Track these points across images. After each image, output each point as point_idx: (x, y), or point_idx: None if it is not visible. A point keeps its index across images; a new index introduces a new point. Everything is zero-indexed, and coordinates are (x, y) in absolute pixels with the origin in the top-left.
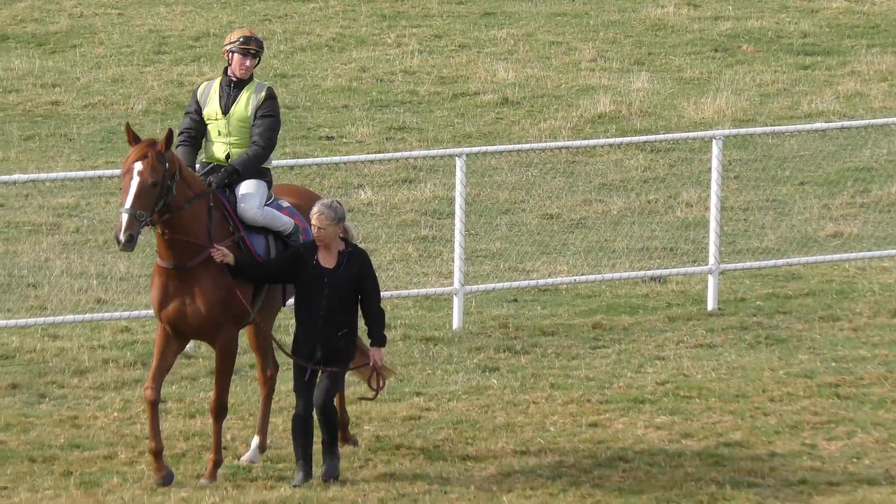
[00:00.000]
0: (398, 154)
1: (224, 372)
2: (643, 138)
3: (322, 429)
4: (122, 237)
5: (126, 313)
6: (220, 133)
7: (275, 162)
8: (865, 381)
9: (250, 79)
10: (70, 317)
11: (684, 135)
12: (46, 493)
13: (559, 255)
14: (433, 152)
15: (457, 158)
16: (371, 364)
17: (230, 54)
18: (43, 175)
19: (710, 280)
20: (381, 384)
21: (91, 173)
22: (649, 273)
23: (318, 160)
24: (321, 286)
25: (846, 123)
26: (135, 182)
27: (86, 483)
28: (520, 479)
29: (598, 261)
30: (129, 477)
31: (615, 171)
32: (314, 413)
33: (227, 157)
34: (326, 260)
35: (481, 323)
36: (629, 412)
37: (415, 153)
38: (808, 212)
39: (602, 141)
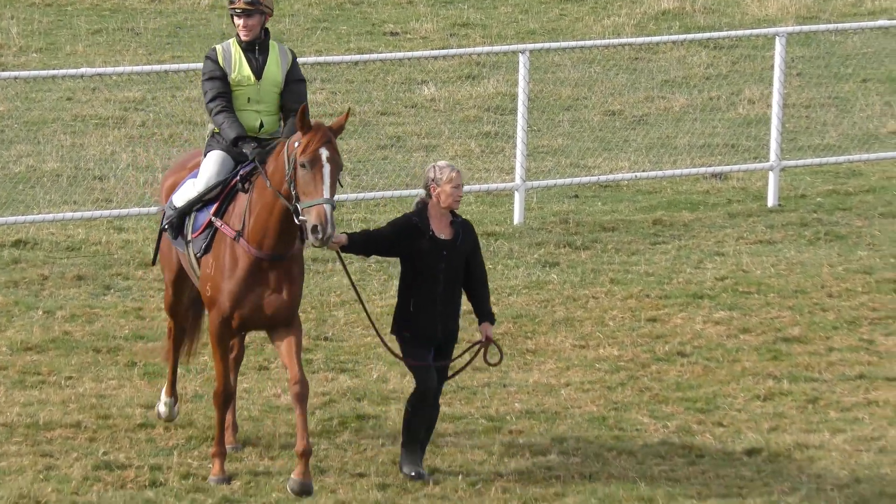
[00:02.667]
0: (462, 50)
1: (301, 352)
2: (706, 35)
3: (430, 425)
4: (329, 230)
5: None
6: (249, 100)
7: (338, 58)
8: None
9: (267, 40)
10: (135, 209)
11: (747, 32)
12: (110, 382)
13: (620, 152)
14: (497, 49)
15: (520, 55)
16: (484, 340)
17: (232, 17)
18: (110, 69)
19: (771, 176)
20: (500, 357)
21: (157, 67)
22: (710, 169)
23: (382, 56)
24: (439, 259)
25: None
26: (328, 170)
27: (149, 374)
28: (578, 373)
29: (660, 157)
30: (191, 369)
31: (678, 67)
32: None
33: (261, 125)
34: (441, 230)
35: (542, 218)
36: (688, 307)
37: (478, 49)
38: (870, 109)
39: (665, 38)
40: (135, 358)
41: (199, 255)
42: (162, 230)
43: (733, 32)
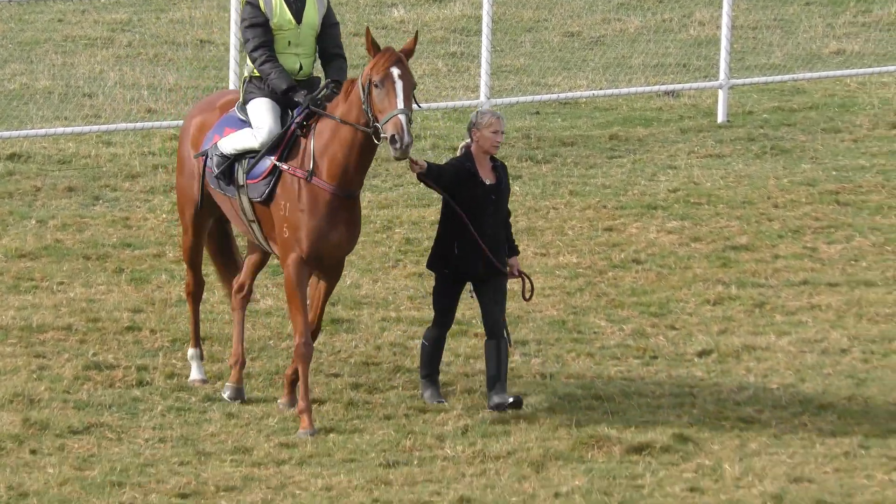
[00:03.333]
0: None
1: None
2: None
3: (496, 356)
4: (407, 139)
5: (175, 122)
6: (290, 44)
7: None
8: (864, 188)
9: None
10: (123, 125)
11: None
12: (99, 288)
13: (579, 71)
14: None
15: None
16: (516, 272)
17: None
18: None
19: (721, 94)
20: (531, 287)
21: None
22: (663, 88)
23: None
24: (488, 203)
25: None
26: (400, 85)
27: (136, 279)
28: (539, 279)
29: (616, 76)
30: (176, 274)
31: None
32: (489, 338)
33: (300, 68)
34: (485, 174)
35: (507, 133)
36: (642, 217)
37: None
38: (813, 30)
39: None
40: (122, 265)
41: (260, 199)
42: (203, 174)
43: None
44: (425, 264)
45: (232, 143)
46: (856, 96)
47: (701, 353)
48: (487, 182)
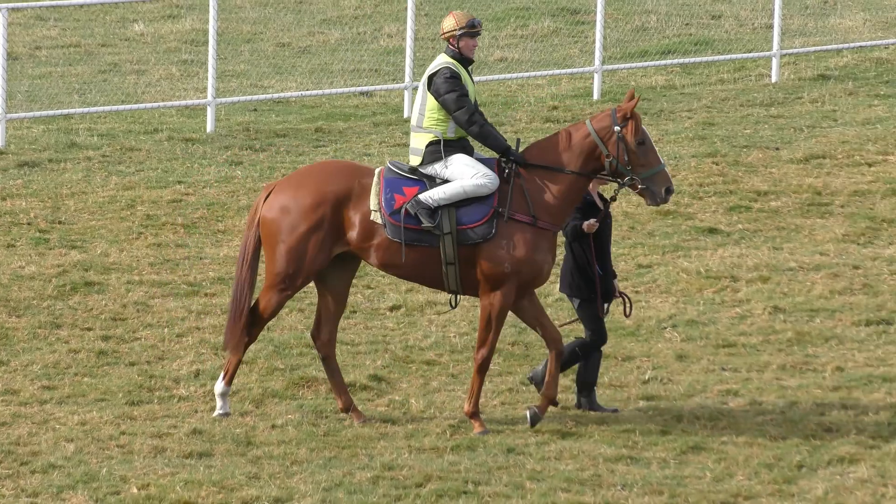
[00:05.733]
0: None
1: None
2: None
3: (563, 362)
4: (673, 187)
5: None
6: None
7: (66, 2)
8: None
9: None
10: None
11: None
12: None
13: (290, 75)
14: None
15: (211, 0)
16: (618, 293)
17: (456, 39)
18: None
19: (406, 94)
20: (630, 305)
21: None
22: (359, 89)
23: (102, 0)
24: (607, 227)
25: None
26: (652, 142)
27: None
28: None
29: (320, 79)
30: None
31: (333, 9)
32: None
33: None
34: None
35: (229, 127)
36: None
37: None
38: (482, 41)
39: None
40: None
41: (480, 240)
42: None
43: None
44: (562, 291)
45: (448, 195)
46: (516, 96)
47: (392, 308)
48: (601, 208)
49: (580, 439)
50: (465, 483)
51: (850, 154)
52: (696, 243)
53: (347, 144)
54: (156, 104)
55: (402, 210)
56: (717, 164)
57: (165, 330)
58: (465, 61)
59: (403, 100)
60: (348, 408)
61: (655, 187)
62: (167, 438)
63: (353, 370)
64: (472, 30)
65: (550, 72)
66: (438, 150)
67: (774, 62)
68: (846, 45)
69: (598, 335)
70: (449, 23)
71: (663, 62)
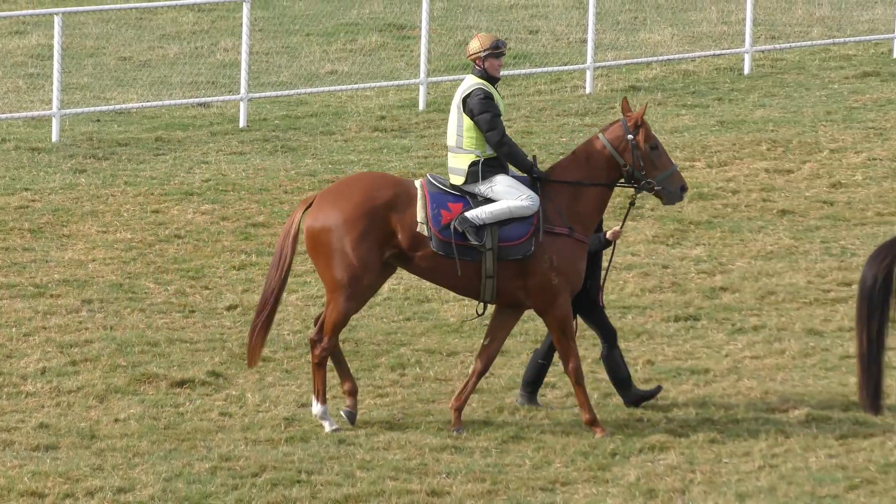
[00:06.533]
0: (7, 14)
1: None
2: (190, 1)
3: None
4: (686, 185)
5: None
6: None
7: None
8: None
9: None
10: None
11: None
12: None
13: (131, 87)
14: (36, 12)
15: (55, 16)
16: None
17: (482, 59)
18: None
19: (242, 105)
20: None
21: None
22: (197, 100)
23: None
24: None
25: None
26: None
27: None
28: (101, 252)
29: (160, 91)
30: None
31: (172, 25)
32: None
33: None
34: None
35: (73, 137)
36: (182, 202)
37: (21, 13)
38: (313, 55)
39: (159, 3)
40: None
41: (522, 257)
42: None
43: (205, 0)
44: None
45: (493, 213)
46: (346, 106)
47: (229, 308)
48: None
49: (407, 430)
50: (298, 472)
51: None
52: None
53: (186, 153)
54: (3, 115)
55: (451, 227)
56: None
57: (13, 329)
58: (492, 80)
59: (239, 111)
60: (353, 391)
61: (671, 187)
62: (15, 432)
63: (192, 367)
64: (495, 50)
65: (378, 84)
66: (479, 170)
67: (588, 74)
68: (655, 59)
69: (612, 335)
70: (474, 45)
71: None
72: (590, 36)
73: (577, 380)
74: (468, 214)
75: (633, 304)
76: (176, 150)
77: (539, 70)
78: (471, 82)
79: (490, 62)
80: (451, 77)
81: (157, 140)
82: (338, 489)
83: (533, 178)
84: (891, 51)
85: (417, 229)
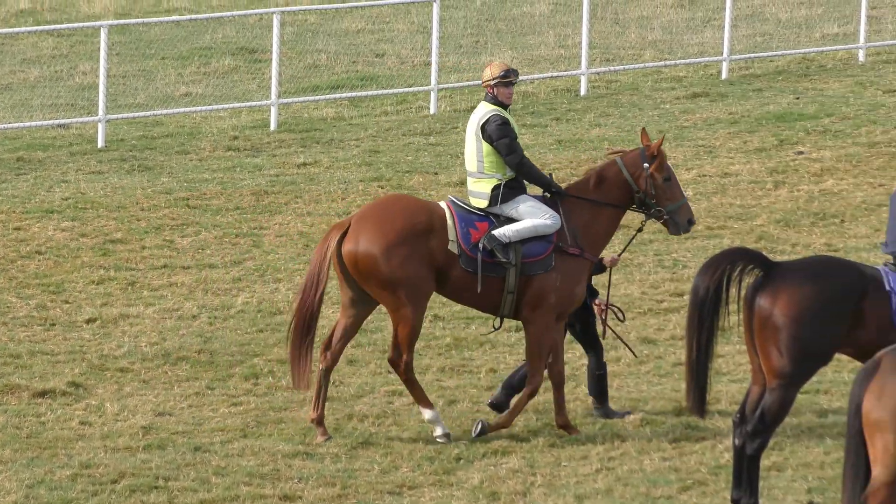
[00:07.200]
0: None
1: None
2: (52, 27)
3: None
4: (694, 219)
5: None
6: None
7: None
8: (207, 195)
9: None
10: None
11: (76, 25)
12: None
13: None
14: None
15: None
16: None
17: (493, 87)
18: None
19: (100, 126)
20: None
21: None
22: (57, 122)
23: None
24: None
25: (193, 17)
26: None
27: None
28: None
29: (21, 113)
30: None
31: (32, 49)
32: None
33: None
34: None
35: None
36: (43, 219)
37: None
38: (168, 78)
39: (23, 29)
40: None
41: (543, 272)
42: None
43: (72, 25)
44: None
45: (519, 232)
46: (200, 127)
47: (89, 321)
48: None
49: (261, 437)
50: (156, 479)
51: None
52: None
53: (46, 172)
54: None
55: (480, 244)
56: (382, 188)
57: None
58: (504, 106)
59: (98, 131)
60: (320, 420)
61: (679, 219)
62: None
63: (53, 378)
64: (504, 79)
65: (231, 105)
66: (501, 192)
67: (432, 96)
68: None
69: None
70: (487, 73)
71: (333, 96)
72: (434, 59)
73: (528, 398)
74: (496, 233)
75: (476, 315)
76: (37, 170)
77: (386, 92)
78: (486, 109)
79: (500, 90)
80: (301, 98)
81: (19, 160)
82: (194, 494)
83: (552, 193)
84: (719, 72)
85: (448, 247)
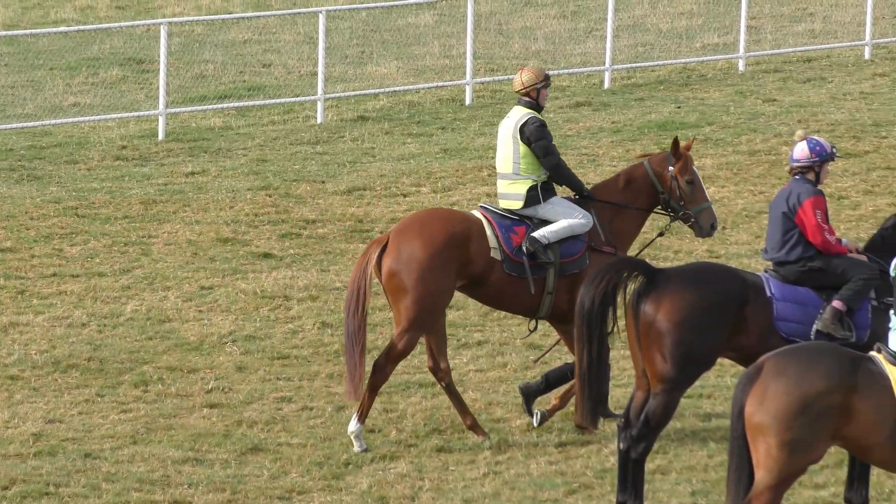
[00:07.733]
0: None
1: None
2: None
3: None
4: (717, 223)
5: None
6: None
7: None
8: (96, 204)
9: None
10: None
11: None
12: None
13: None
14: None
15: None
16: None
17: (537, 91)
18: None
19: None
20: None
21: None
22: None
23: None
24: None
25: (80, 28)
26: (701, 180)
27: None
28: None
29: None
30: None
31: None
32: None
33: None
34: None
35: None
36: None
37: None
38: (56, 88)
39: None
40: None
41: (578, 271)
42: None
43: None
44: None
45: (556, 232)
46: (88, 137)
47: None
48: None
49: (151, 444)
50: (46, 485)
51: (387, 186)
52: (253, 267)
53: None
54: None
55: (523, 248)
56: (270, 196)
57: None
58: (539, 109)
59: None
60: (474, 425)
61: (703, 222)
62: None
63: None
64: (547, 81)
65: (119, 115)
66: (538, 193)
67: (319, 105)
68: (382, 90)
69: None
70: (528, 77)
71: (221, 105)
72: (320, 69)
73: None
74: (535, 235)
75: (369, 321)
76: None
77: (273, 101)
78: (522, 112)
79: (542, 93)
80: (189, 108)
81: None
82: (84, 501)
83: (583, 197)
84: (602, 82)
85: (491, 254)
